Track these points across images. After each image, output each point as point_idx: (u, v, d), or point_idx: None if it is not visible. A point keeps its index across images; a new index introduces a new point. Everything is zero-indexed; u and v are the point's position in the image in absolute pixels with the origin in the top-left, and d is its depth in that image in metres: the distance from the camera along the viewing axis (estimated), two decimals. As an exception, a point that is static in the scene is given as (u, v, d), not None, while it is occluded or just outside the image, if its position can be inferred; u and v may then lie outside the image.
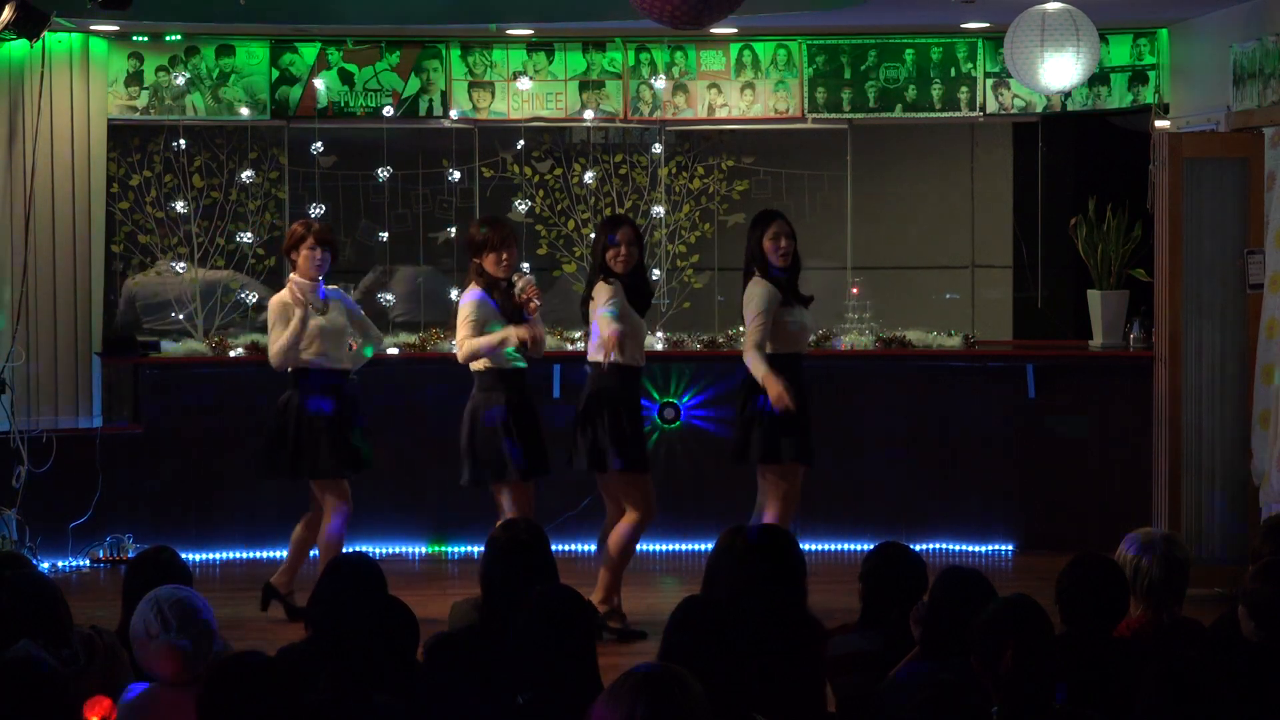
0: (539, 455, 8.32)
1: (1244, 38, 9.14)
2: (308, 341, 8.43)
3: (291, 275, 8.64)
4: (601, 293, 8.25)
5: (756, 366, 8.23)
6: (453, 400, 8.55)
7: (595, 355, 8.30)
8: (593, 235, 10.98)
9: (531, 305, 8.25)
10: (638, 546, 8.54)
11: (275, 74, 10.65)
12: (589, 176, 11.02)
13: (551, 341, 10.13)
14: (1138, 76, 10.64)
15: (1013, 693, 4.38)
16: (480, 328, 8.26)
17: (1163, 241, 9.16)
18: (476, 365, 8.31)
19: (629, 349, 8.23)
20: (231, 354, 10.10)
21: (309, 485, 8.58)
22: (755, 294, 8.35)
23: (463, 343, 8.27)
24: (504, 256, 8.28)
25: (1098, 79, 10.55)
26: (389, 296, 10.79)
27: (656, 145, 11.09)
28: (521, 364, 8.36)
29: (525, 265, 10.92)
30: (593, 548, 10.31)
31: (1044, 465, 10.31)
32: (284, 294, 8.52)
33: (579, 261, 11.06)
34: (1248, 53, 9.05)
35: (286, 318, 8.42)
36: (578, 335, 10.26)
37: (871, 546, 5.75)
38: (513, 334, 8.21)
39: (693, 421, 10.24)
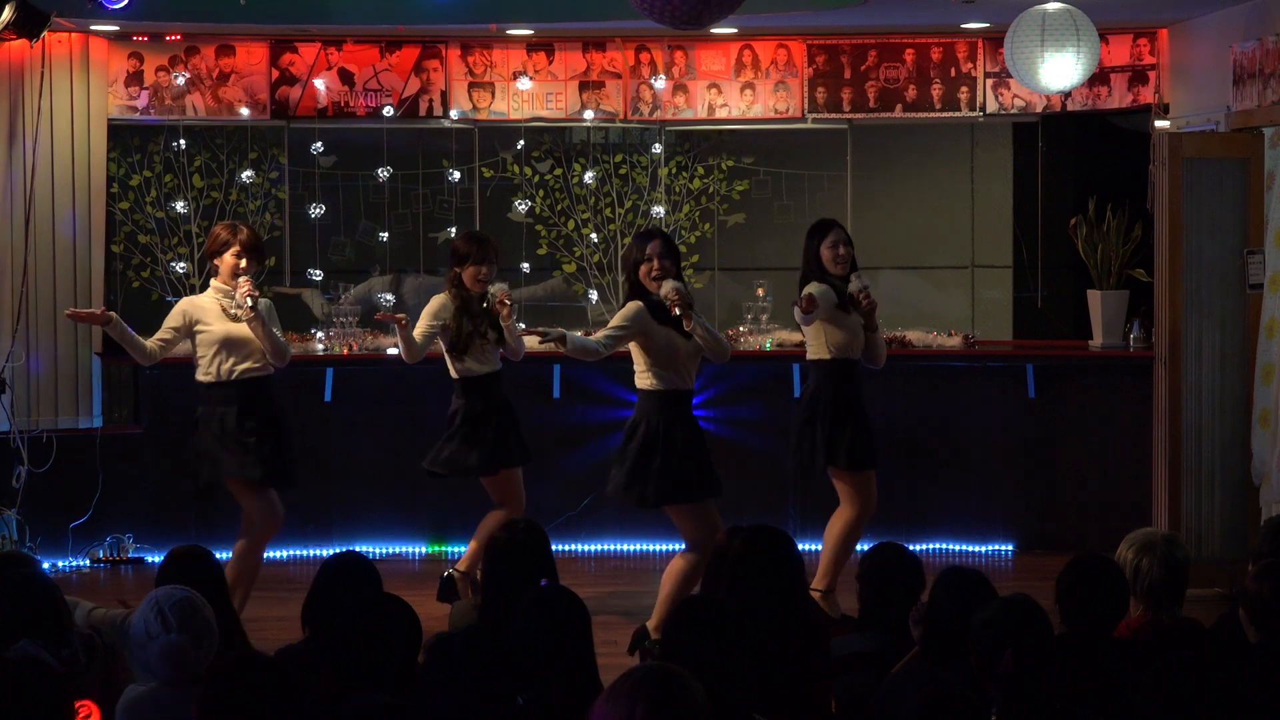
0: (497, 451, 8.37)
1: (1244, 38, 9.14)
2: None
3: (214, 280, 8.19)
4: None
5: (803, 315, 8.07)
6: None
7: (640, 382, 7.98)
8: (593, 236, 11.02)
9: (504, 312, 8.31)
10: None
11: (275, 74, 10.66)
12: (589, 176, 11.02)
13: (549, 342, 10.12)
14: (1138, 76, 10.64)
15: (1012, 693, 4.39)
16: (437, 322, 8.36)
17: (1163, 241, 9.16)
18: (452, 372, 8.41)
19: (656, 372, 7.83)
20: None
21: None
22: (817, 294, 8.12)
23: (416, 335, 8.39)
24: (482, 271, 8.39)
25: (1098, 79, 10.54)
26: (388, 296, 10.78)
27: (656, 145, 11.09)
28: (491, 368, 8.45)
29: (525, 266, 10.94)
30: (593, 548, 10.34)
31: (1044, 465, 10.31)
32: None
33: (579, 261, 11.06)
34: (1248, 53, 9.04)
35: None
36: (577, 335, 10.25)
37: (871, 546, 5.75)
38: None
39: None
